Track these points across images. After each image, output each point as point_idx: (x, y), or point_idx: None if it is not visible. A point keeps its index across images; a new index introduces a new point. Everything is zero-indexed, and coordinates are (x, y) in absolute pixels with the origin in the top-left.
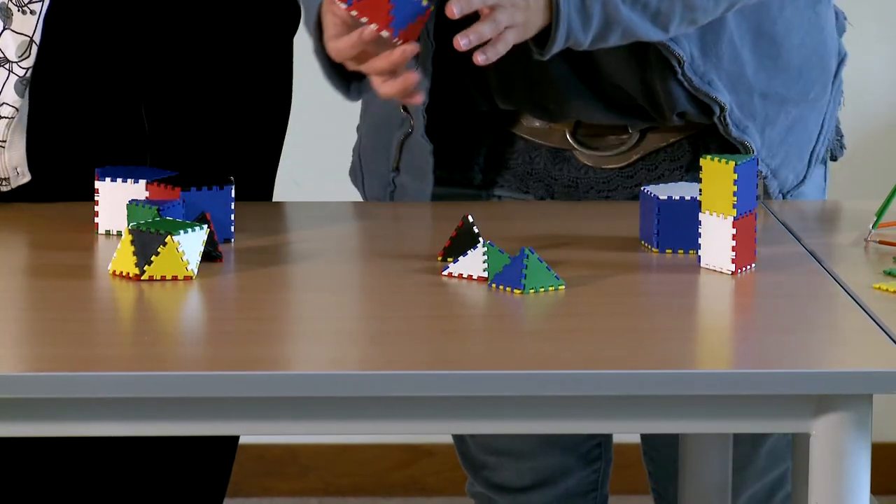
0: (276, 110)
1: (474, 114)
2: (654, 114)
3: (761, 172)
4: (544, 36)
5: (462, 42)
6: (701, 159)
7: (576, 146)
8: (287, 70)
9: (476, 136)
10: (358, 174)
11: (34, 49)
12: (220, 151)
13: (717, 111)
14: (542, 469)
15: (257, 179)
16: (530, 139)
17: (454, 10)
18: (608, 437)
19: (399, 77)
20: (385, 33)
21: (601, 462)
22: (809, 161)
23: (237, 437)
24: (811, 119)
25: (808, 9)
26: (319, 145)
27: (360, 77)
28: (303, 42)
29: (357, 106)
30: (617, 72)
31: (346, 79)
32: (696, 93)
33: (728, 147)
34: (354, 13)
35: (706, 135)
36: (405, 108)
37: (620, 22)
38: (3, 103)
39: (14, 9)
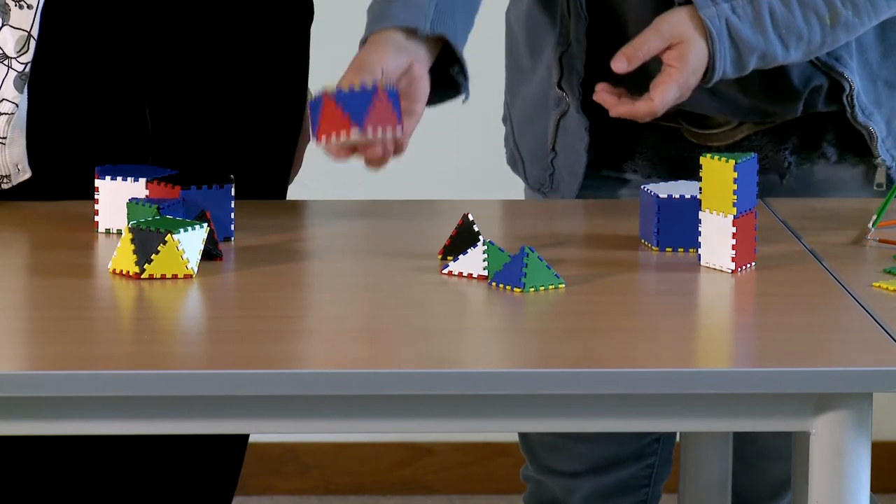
0: (289, 107)
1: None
2: (772, 104)
3: (884, 161)
4: None
5: (618, 66)
6: (701, 158)
7: (683, 123)
8: (302, 64)
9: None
10: (518, 162)
11: (32, 44)
12: (230, 151)
13: (847, 88)
14: (596, 456)
15: (270, 179)
16: None
17: (619, 67)
18: (669, 435)
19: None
20: (354, 134)
21: (656, 458)
22: None
23: (247, 437)
24: None
25: None
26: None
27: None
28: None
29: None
30: None
31: (449, 87)
32: (822, 66)
33: (845, 137)
34: (320, 144)
35: (820, 122)
36: (560, 87)
37: (778, 61)
38: (3, 99)
39: (11, 4)
